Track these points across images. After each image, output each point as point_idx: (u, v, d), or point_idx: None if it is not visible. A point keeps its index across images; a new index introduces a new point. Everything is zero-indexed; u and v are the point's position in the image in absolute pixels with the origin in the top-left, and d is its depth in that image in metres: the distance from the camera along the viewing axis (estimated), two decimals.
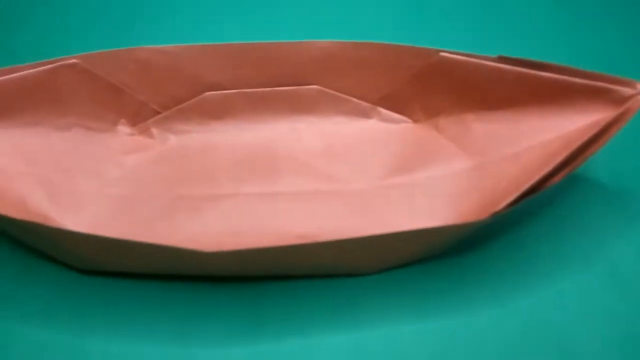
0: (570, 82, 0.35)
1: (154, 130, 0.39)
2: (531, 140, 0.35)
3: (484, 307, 0.33)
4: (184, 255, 0.30)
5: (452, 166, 0.37)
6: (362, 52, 0.38)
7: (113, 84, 0.38)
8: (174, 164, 0.38)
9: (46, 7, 0.47)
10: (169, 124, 0.39)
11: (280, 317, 0.32)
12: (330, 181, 0.37)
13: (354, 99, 0.40)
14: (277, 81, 0.39)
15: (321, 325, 0.32)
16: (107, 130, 0.39)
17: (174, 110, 0.39)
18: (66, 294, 0.33)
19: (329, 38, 0.41)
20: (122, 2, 0.48)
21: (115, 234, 0.34)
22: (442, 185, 0.37)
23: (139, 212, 0.36)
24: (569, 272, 0.34)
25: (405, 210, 0.36)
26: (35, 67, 0.36)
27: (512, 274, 0.34)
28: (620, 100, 0.34)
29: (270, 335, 0.32)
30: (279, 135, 0.39)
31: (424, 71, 0.38)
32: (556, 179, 0.32)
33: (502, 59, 0.36)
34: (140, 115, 0.39)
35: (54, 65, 0.36)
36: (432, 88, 0.38)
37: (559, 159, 0.32)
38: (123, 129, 0.39)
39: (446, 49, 0.37)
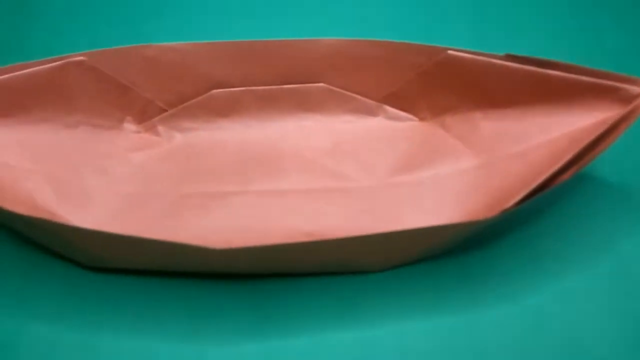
0: (577, 81, 0.35)
1: (161, 128, 0.39)
2: (538, 139, 0.35)
3: (490, 304, 0.33)
4: (191, 252, 0.30)
5: (459, 164, 0.37)
6: (369, 50, 0.38)
7: (120, 82, 0.38)
8: (181, 162, 0.38)
9: (54, 4, 0.47)
10: (175, 121, 0.40)
11: (288, 314, 0.33)
12: (337, 179, 0.37)
13: (361, 97, 0.40)
14: (284, 79, 0.39)
15: (329, 322, 0.32)
16: (114, 127, 0.39)
17: (180, 108, 0.39)
18: (74, 290, 0.33)
19: (335, 36, 0.41)
20: None
21: (123, 231, 0.34)
22: (448, 183, 0.37)
23: (147, 210, 0.36)
24: (576, 270, 0.34)
25: (412, 208, 0.36)
26: (42, 65, 0.36)
27: (518, 272, 0.34)
28: (628, 98, 0.34)
29: (277, 332, 0.32)
30: (286, 133, 0.39)
31: (431, 69, 0.38)
32: (565, 177, 0.32)
33: (509, 57, 0.36)
34: (147, 112, 0.39)
35: (61, 62, 0.36)
36: (438, 86, 0.38)
37: (566, 157, 0.32)
38: (129, 126, 0.39)
39: (453, 47, 0.37)
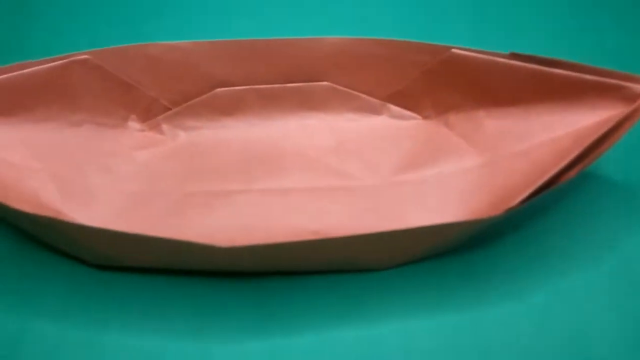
0: (581, 79, 0.35)
1: (165, 127, 0.39)
2: (542, 137, 0.35)
3: (495, 303, 0.33)
4: (197, 250, 0.30)
5: (463, 163, 0.37)
6: (372, 49, 0.38)
7: (124, 80, 0.38)
8: (185, 160, 0.38)
9: (57, 3, 0.47)
10: (179, 120, 0.40)
11: (292, 312, 0.33)
12: (341, 178, 0.37)
13: (364, 96, 0.40)
14: (287, 77, 0.39)
15: (333, 321, 0.32)
16: (118, 126, 0.39)
17: (184, 107, 0.39)
18: (79, 288, 0.33)
19: (339, 34, 0.41)
20: None
21: (128, 230, 0.34)
22: (452, 182, 0.37)
23: (151, 208, 0.36)
24: (580, 268, 0.34)
25: (416, 206, 0.36)
26: (46, 63, 0.36)
27: (522, 271, 0.34)
28: (632, 97, 0.34)
29: (282, 330, 0.32)
30: (289, 131, 0.39)
31: (435, 68, 0.38)
32: (571, 174, 0.32)
33: (513, 56, 0.36)
34: (151, 111, 0.39)
35: (65, 61, 0.36)
36: (442, 85, 0.38)
37: (570, 155, 0.32)
38: (134, 125, 0.39)
39: (457, 46, 0.37)
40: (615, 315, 0.32)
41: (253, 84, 0.39)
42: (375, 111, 0.40)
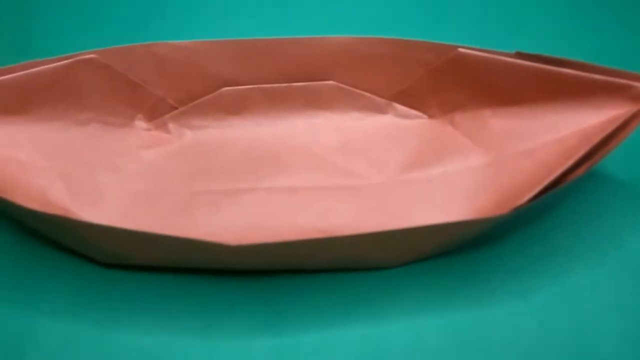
0: (587, 78, 0.35)
1: (171, 126, 0.39)
2: (547, 136, 0.35)
3: (500, 301, 0.33)
4: (205, 248, 0.30)
5: (468, 162, 0.37)
6: (378, 48, 0.38)
7: (130, 79, 0.38)
8: (191, 159, 0.38)
9: (63, 3, 0.47)
10: (185, 119, 0.40)
11: (299, 310, 0.33)
12: (347, 176, 0.37)
13: (370, 95, 0.40)
14: (293, 77, 0.39)
15: (340, 319, 0.32)
16: (125, 125, 0.39)
17: (190, 106, 0.40)
18: (87, 286, 0.33)
19: (344, 34, 0.41)
20: None
21: (135, 228, 0.34)
22: (458, 181, 0.37)
23: (158, 207, 0.36)
24: (585, 267, 0.34)
25: (422, 205, 0.36)
26: (53, 63, 0.36)
27: (528, 269, 0.34)
28: (638, 96, 0.34)
29: (289, 328, 0.32)
30: (295, 130, 0.39)
31: (441, 67, 0.38)
32: (578, 172, 0.32)
33: (519, 55, 0.36)
34: (157, 110, 0.39)
35: (72, 60, 0.36)
36: (448, 84, 0.38)
37: (577, 154, 0.33)
38: (140, 124, 0.39)
39: (463, 45, 0.37)
40: (620, 315, 0.32)
41: (259, 83, 0.39)
42: (380, 110, 0.40)
